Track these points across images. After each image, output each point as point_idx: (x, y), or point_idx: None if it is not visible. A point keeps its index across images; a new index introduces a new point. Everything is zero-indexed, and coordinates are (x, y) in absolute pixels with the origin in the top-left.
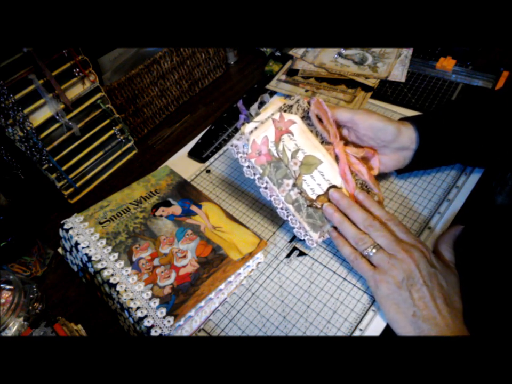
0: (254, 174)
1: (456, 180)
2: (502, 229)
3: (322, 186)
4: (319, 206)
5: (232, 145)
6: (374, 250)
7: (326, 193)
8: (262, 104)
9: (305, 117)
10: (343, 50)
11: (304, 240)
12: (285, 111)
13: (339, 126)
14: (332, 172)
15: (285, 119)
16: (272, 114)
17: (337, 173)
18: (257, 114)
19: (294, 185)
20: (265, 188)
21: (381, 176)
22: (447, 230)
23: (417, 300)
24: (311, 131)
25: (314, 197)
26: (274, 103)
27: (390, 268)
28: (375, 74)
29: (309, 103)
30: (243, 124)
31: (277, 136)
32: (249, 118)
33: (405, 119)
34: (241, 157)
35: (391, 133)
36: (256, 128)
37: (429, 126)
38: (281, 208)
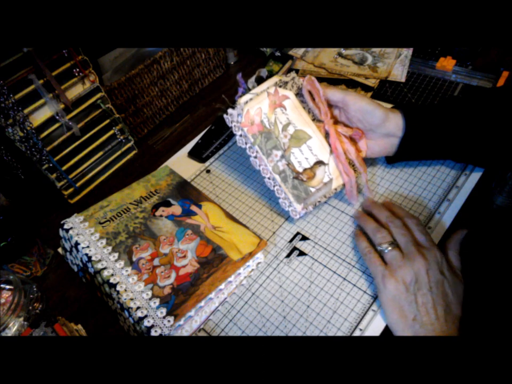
0: (246, 143)
1: (456, 179)
2: (502, 230)
3: (309, 160)
4: (304, 179)
5: (227, 114)
6: (389, 248)
7: (313, 167)
8: (259, 78)
9: (299, 94)
10: (343, 50)
11: (289, 211)
12: (280, 86)
13: (330, 106)
14: (320, 148)
15: (279, 94)
16: (268, 88)
17: (325, 149)
18: (253, 87)
19: (282, 156)
20: (255, 157)
21: (381, 177)
22: (452, 236)
23: (420, 304)
24: (304, 108)
25: (300, 170)
26: (271, 79)
27: (401, 267)
28: (375, 74)
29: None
30: (240, 96)
31: (270, 108)
32: (246, 92)
33: (395, 107)
34: (234, 125)
35: (378, 117)
36: (251, 99)
37: (417, 116)
38: (269, 178)
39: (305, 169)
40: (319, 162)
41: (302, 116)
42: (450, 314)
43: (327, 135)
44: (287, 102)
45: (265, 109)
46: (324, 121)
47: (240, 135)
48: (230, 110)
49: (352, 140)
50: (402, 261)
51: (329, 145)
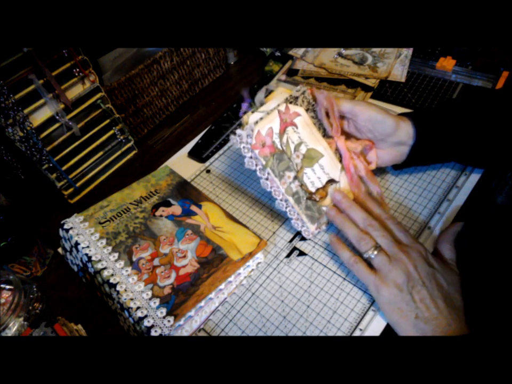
0: (256, 165)
1: (456, 179)
2: (502, 229)
3: (321, 179)
4: (317, 199)
5: (235, 135)
6: (375, 252)
7: (325, 186)
8: (267, 95)
9: (309, 109)
10: (343, 50)
11: (301, 231)
12: (290, 102)
13: (339, 117)
14: (331, 166)
15: (290, 111)
16: (278, 105)
17: (336, 166)
18: (261, 104)
19: (295, 177)
20: (266, 179)
21: (381, 177)
22: (448, 228)
23: (418, 301)
24: (314, 124)
25: (313, 190)
26: (280, 93)
27: (391, 271)
28: (375, 74)
29: (313, 95)
30: (245, 112)
31: (281, 128)
32: (251, 107)
33: (403, 114)
34: (244, 147)
35: (389, 126)
36: (261, 118)
37: (426, 123)
38: (281, 200)
39: (317, 189)
40: (331, 181)
41: (313, 133)
42: (451, 306)
43: (336, 150)
44: (298, 120)
45: (277, 129)
46: (335, 138)
47: (250, 157)
48: (238, 131)
49: (361, 152)
50: (390, 264)
51: (340, 161)
